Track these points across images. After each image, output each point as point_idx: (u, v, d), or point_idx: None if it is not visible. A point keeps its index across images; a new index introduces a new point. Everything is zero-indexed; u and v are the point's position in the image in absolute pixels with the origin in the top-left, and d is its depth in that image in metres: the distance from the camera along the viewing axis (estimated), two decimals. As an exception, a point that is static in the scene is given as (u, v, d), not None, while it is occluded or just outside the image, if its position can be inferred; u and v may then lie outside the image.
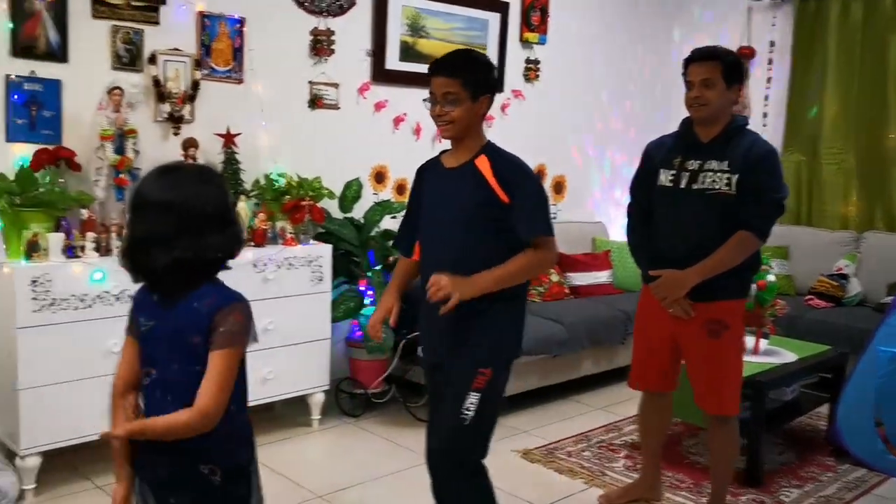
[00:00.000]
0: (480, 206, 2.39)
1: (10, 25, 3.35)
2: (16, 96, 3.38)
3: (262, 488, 1.95)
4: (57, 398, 3.15)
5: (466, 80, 2.36)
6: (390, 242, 4.31)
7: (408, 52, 4.73)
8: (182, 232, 1.72)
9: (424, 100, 2.46)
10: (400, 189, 4.80)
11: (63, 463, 3.42)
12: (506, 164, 2.42)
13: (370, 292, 4.22)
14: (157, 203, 1.74)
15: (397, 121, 4.76)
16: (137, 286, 1.87)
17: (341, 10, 4.43)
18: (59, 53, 3.47)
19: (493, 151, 2.44)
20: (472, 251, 2.39)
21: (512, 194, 2.37)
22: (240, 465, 1.86)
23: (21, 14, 3.36)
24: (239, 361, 1.80)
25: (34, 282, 3.08)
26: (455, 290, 2.27)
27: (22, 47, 3.38)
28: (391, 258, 4.27)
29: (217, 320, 1.74)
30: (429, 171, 2.58)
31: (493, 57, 5.10)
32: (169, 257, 1.72)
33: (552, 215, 2.48)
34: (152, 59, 3.72)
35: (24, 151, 3.39)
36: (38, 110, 3.44)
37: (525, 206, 2.38)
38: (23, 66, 3.40)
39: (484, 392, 2.40)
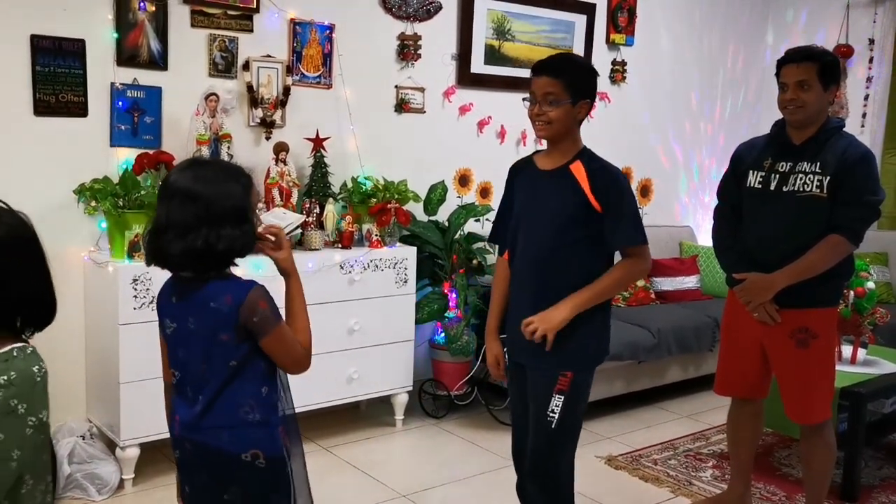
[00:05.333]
0: (572, 211, 2.38)
1: (116, 35, 3.51)
2: (120, 103, 3.54)
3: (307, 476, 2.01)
4: (155, 392, 3.26)
5: (568, 83, 2.35)
6: (474, 245, 4.33)
7: (493, 56, 4.75)
8: (200, 222, 1.79)
9: (524, 99, 2.45)
10: (484, 192, 4.81)
11: (160, 455, 3.55)
12: (601, 172, 2.40)
13: (453, 295, 4.25)
14: (182, 192, 1.82)
15: (482, 124, 4.77)
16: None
17: (428, 15, 4.48)
18: (160, 61, 3.62)
19: (589, 158, 2.43)
20: (560, 254, 2.39)
21: (606, 203, 2.36)
22: (279, 446, 1.90)
23: (125, 24, 3.53)
24: (286, 329, 1.88)
25: (135, 280, 3.22)
26: (545, 325, 2.32)
27: (126, 56, 3.54)
28: (475, 261, 4.28)
29: (244, 315, 1.81)
30: (522, 171, 2.57)
31: (579, 59, 5.05)
32: (182, 244, 1.79)
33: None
34: (246, 66, 3.85)
35: (126, 155, 3.55)
36: (139, 116, 3.59)
37: (619, 215, 2.37)
38: (126, 75, 3.56)
39: (567, 395, 2.39)
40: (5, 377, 1.48)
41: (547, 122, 2.38)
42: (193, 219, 1.79)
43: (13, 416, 1.48)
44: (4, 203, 1.60)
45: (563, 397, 2.39)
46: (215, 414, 1.86)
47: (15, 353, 1.53)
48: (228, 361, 1.84)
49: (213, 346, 1.84)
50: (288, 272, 1.97)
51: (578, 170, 2.39)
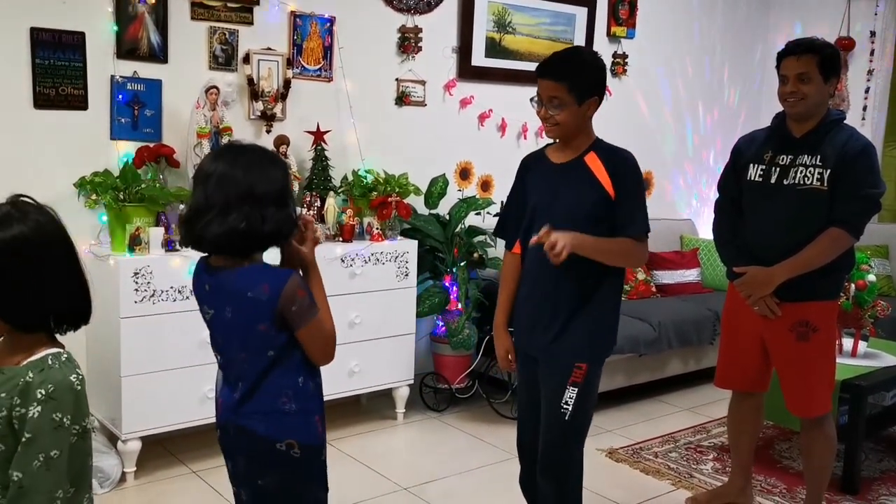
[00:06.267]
0: (589, 207, 2.37)
1: (115, 28, 3.50)
2: (120, 96, 3.53)
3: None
4: (157, 385, 3.29)
5: (572, 85, 2.31)
6: (475, 238, 4.33)
7: (494, 49, 4.74)
8: (240, 202, 1.76)
9: (531, 99, 2.43)
10: (484, 185, 4.81)
11: (162, 448, 3.56)
12: (617, 158, 2.39)
13: (454, 288, 4.25)
14: (220, 173, 1.78)
15: (482, 117, 4.77)
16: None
17: (429, 8, 4.47)
18: (159, 54, 3.62)
19: (602, 148, 2.41)
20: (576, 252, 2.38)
21: (620, 188, 2.36)
22: (316, 435, 1.92)
23: (125, 17, 3.52)
24: (322, 318, 1.88)
25: (136, 274, 3.22)
26: (566, 240, 2.22)
27: (126, 49, 3.54)
28: (476, 254, 4.28)
29: (283, 304, 1.79)
30: (534, 165, 2.54)
31: (579, 52, 5.05)
32: (224, 225, 1.75)
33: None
34: (246, 59, 3.84)
35: (127, 148, 3.55)
36: (140, 109, 3.59)
37: (628, 202, 2.37)
38: (126, 67, 3.55)
39: (581, 386, 2.40)
40: (43, 391, 1.43)
41: (555, 125, 2.36)
42: (235, 198, 1.76)
43: (62, 430, 1.44)
44: (31, 199, 1.53)
45: (576, 389, 2.39)
46: (254, 402, 1.87)
47: (50, 362, 1.48)
48: (266, 351, 1.84)
49: (251, 336, 1.83)
50: (308, 265, 1.94)
51: (593, 160, 2.38)
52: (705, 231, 5.73)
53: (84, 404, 1.50)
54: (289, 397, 1.87)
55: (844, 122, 2.90)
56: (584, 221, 2.36)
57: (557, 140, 2.46)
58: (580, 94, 2.33)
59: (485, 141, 4.78)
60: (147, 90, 3.60)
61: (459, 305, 4.22)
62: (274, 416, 1.86)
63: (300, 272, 1.92)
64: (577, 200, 2.38)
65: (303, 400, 1.89)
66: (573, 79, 2.32)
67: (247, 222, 1.75)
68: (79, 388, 1.49)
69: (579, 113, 2.35)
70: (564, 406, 2.39)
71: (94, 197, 3.33)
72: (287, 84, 3.96)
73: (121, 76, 3.53)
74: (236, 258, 1.82)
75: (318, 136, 4.02)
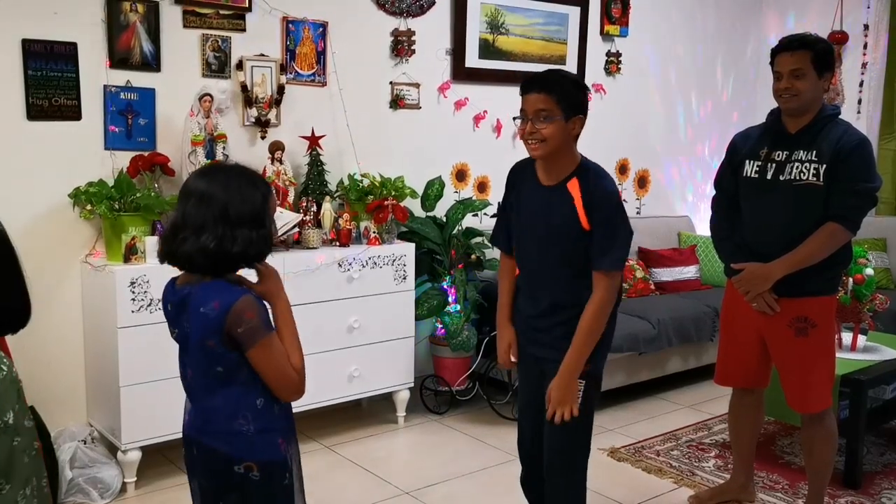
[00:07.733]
0: (566, 229, 2.38)
1: (107, 38, 3.48)
2: (113, 106, 3.52)
3: (302, 479, 2.01)
4: (156, 395, 3.28)
5: (560, 97, 2.30)
6: (473, 240, 4.32)
7: (487, 50, 4.73)
8: (215, 222, 1.79)
9: (515, 118, 2.42)
10: (481, 187, 4.81)
11: (161, 457, 3.55)
12: (595, 190, 2.36)
13: (452, 290, 4.25)
14: (199, 193, 1.82)
15: (477, 119, 4.76)
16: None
17: (421, 11, 4.47)
18: (152, 63, 3.61)
19: (585, 174, 2.38)
20: (562, 269, 2.42)
21: (594, 222, 2.35)
22: (277, 457, 1.90)
23: (117, 26, 3.51)
24: (277, 343, 1.85)
25: (133, 283, 3.21)
26: (562, 407, 2.37)
27: (118, 58, 3.53)
28: (473, 256, 4.28)
29: (230, 323, 1.78)
30: (524, 180, 2.52)
31: (573, 51, 5.06)
32: (195, 244, 1.79)
33: (631, 231, 2.41)
34: (240, 66, 3.83)
35: (121, 158, 3.54)
36: (133, 118, 3.58)
37: (601, 235, 2.35)
38: (119, 77, 3.54)
39: (586, 385, 2.41)
40: None
41: (541, 141, 2.33)
42: (210, 219, 1.79)
43: None
44: None
45: (583, 382, 2.40)
46: (211, 422, 1.87)
47: None
48: (214, 367, 1.83)
49: (201, 351, 1.83)
50: (271, 300, 1.92)
51: (574, 188, 2.37)
52: (703, 227, 5.73)
53: (6, 400, 1.52)
54: (247, 419, 1.84)
55: (839, 117, 2.90)
56: (563, 245, 2.39)
57: (541, 158, 2.41)
58: (568, 108, 2.31)
59: (480, 142, 4.78)
60: (140, 99, 3.59)
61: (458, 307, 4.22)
62: (232, 437, 1.84)
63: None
64: (561, 228, 2.39)
65: (263, 422, 1.86)
66: (561, 91, 2.31)
67: (217, 242, 1.78)
68: None
69: (566, 129, 2.33)
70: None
71: (88, 207, 3.33)
72: (281, 90, 3.96)
73: (114, 86, 3.52)
74: (205, 276, 1.84)
75: (313, 141, 4.01)
